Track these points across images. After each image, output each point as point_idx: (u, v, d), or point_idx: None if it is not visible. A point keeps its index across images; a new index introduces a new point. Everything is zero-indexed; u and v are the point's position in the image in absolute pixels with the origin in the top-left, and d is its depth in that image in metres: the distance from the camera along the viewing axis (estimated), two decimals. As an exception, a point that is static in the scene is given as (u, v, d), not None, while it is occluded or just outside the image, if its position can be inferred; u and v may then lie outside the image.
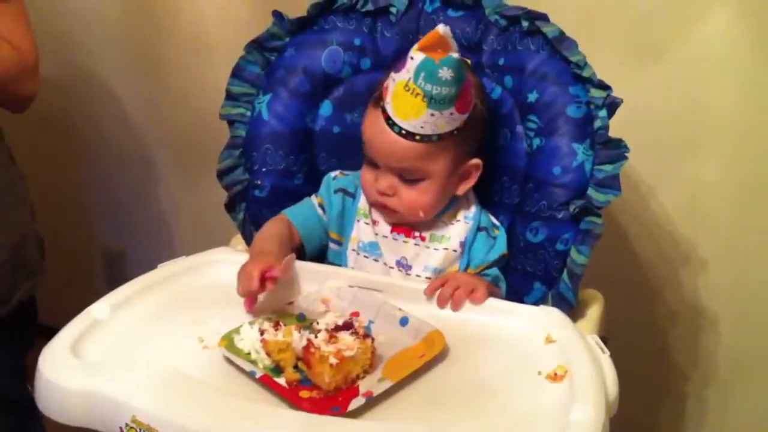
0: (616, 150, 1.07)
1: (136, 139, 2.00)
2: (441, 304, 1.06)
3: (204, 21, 1.78)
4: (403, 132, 1.07)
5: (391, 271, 1.17)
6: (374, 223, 1.18)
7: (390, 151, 1.09)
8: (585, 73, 1.09)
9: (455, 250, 1.16)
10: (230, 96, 1.23)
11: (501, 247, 1.17)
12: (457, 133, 1.09)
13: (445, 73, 1.03)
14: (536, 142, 1.13)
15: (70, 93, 2.02)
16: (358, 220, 1.19)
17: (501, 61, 1.18)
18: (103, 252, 2.22)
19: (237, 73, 1.23)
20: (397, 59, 1.09)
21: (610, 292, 1.19)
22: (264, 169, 1.21)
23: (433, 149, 1.08)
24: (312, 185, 1.24)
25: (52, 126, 2.05)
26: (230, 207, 1.23)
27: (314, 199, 1.21)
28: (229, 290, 1.08)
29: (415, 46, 1.04)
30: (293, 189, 1.23)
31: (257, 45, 1.23)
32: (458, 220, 1.17)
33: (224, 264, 1.14)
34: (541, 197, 1.10)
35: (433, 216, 1.15)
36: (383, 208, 1.15)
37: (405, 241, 1.17)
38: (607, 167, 1.07)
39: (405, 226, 1.17)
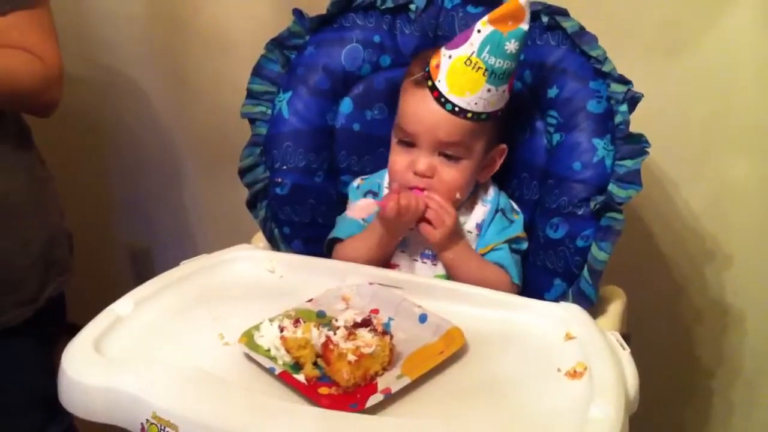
0: (638, 145, 1.06)
1: (160, 137, 2.02)
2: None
3: (226, 19, 1.79)
4: (456, 109, 1.08)
5: (416, 264, 1.17)
6: None
7: (439, 126, 1.10)
8: (605, 68, 1.09)
9: (470, 232, 1.17)
10: (251, 94, 1.23)
11: (516, 229, 1.17)
12: (500, 114, 1.11)
13: (511, 46, 1.05)
14: (556, 137, 1.13)
15: (94, 91, 2.03)
16: None
17: (521, 57, 1.15)
18: (129, 250, 2.23)
19: (258, 72, 1.23)
20: (445, 39, 1.12)
21: (634, 289, 1.18)
22: (285, 167, 1.21)
23: (478, 128, 1.10)
24: (332, 183, 1.25)
25: (77, 124, 2.05)
26: (252, 204, 1.24)
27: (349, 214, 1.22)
28: (249, 287, 1.10)
29: (483, 18, 1.05)
30: (313, 186, 1.23)
31: (278, 43, 1.23)
32: (477, 204, 1.19)
33: (245, 261, 1.16)
34: (562, 193, 1.10)
35: (464, 199, 1.16)
36: (419, 191, 1.14)
37: None
38: (628, 162, 1.06)
39: None
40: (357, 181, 1.24)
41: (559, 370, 0.92)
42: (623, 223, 1.05)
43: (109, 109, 2.05)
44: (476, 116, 1.09)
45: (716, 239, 1.48)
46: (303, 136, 1.22)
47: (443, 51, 1.09)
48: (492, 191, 1.19)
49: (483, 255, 1.16)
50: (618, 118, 1.08)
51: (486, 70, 1.06)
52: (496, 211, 1.18)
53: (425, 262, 1.18)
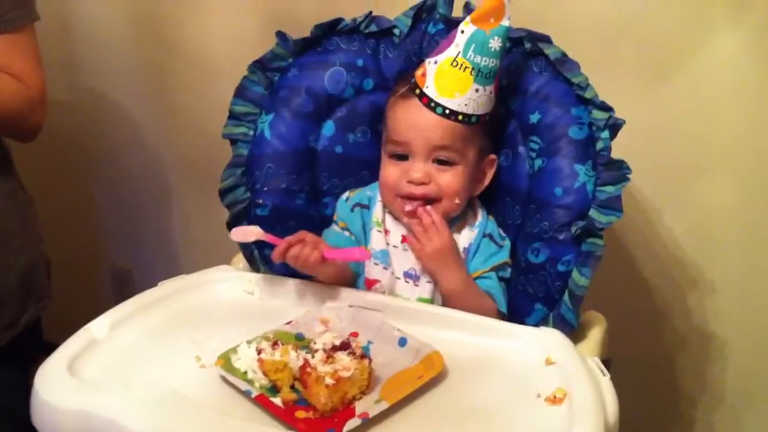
0: (619, 171, 1.06)
1: (145, 159, 2.01)
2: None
3: (212, 41, 1.79)
4: (447, 111, 1.10)
5: (398, 282, 1.17)
6: (386, 232, 1.19)
7: (432, 130, 1.11)
8: (587, 95, 1.09)
9: None
10: (233, 115, 1.22)
11: (503, 255, 1.17)
12: (488, 120, 1.13)
13: (495, 44, 1.08)
14: (538, 163, 1.13)
15: (79, 114, 2.02)
16: (372, 229, 1.19)
17: (504, 82, 1.18)
18: (112, 270, 2.21)
19: (240, 93, 1.23)
20: (431, 48, 1.16)
21: (616, 315, 1.18)
22: (265, 188, 1.20)
23: (468, 133, 1.12)
24: (314, 205, 1.25)
25: (62, 146, 2.04)
26: (232, 226, 1.21)
27: (336, 227, 1.22)
28: (228, 309, 1.10)
29: (466, 19, 1.08)
30: (295, 209, 1.22)
31: (261, 65, 1.23)
32: (464, 228, 1.18)
33: (224, 282, 1.15)
34: (543, 218, 1.10)
35: (461, 208, 1.16)
36: (416, 201, 1.14)
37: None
38: (609, 188, 1.06)
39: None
40: (346, 194, 1.23)
41: (538, 395, 0.91)
42: (604, 248, 1.05)
43: (93, 130, 2.05)
44: (467, 118, 1.10)
45: (699, 265, 1.48)
46: (285, 158, 1.21)
47: (427, 60, 1.12)
48: (480, 215, 1.19)
49: None
50: (599, 144, 1.08)
51: (473, 69, 1.08)
52: (484, 235, 1.18)
53: (408, 282, 1.17)
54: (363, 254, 1.13)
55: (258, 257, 1.22)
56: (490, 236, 1.18)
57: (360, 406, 0.89)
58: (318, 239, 1.11)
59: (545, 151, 1.12)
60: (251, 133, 1.22)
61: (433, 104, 1.10)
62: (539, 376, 0.95)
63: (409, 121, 1.12)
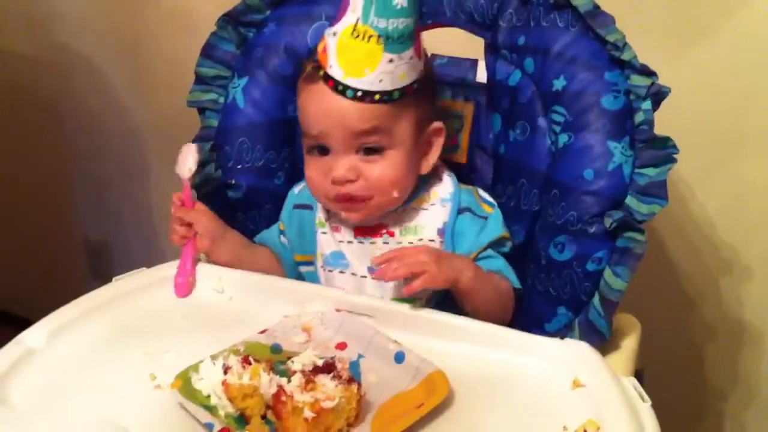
0: (662, 150, 0.94)
1: (119, 123, 1.96)
2: (375, 277, 0.97)
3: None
4: (359, 93, 0.95)
5: (364, 282, 1.05)
6: (334, 229, 1.07)
7: (347, 117, 0.97)
8: (625, 56, 0.95)
9: (432, 240, 1.04)
10: (200, 79, 1.14)
11: (495, 229, 1.05)
12: (417, 87, 0.99)
13: (401, 0, 0.92)
14: (563, 139, 0.99)
15: (45, 72, 1.97)
16: (316, 232, 1.08)
17: (521, 41, 1.04)
18: (86, 243, 2.17)
19: (208, 53, 1.13)
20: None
21: (641, 302, 1.08)
22: (239, 167, 1.11)
23: (395, 110, 0.98)
24: (293, 185, 1.14)
25: (29, 107, 2.02)
26: None
27: (279, 227, 1.12)
28: (192, 312, 1.00)
29: None
30: (273, 189, 1.12)
31: (231, 19, 1.13)
32: (432, 204, 1.06)
33: None
34: (569, 207, 0.96)
35: (405, 198, 1.04)
36: (345, 203, 1.01)
37: (372, 242, 1.05)
38: (651, 171, 0.94)
39: (370, 224, 1.05)
40: (300, 185, 1.12)
41: (565, 428, 0.79)
42: (645, 245, 0.92)
43: (62, 90, 2.00)
44: (387, 96, 0.96)
45: (733, 248, 1.40)
46: (261, 129, 1.11)
47: (327, 30, 0.97)
48: (450, 186, 1.07)
49: None
50: (639, 117, 0.95)
51: (379, 36, 0.93)
52: (459, 211, 1.05)
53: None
54: (178, 288, 1.02)
55: None
56: (469, 210, 1.05)
57: (347, 442, 0.78)
58: (207, 236, 1.05)
59: (572, 125, 0.98)
60: (221, 100, 1.13)
61: (341, 87, 0.95)
62: (565, 402, 0.82)
63: (318, 110, 0.98)
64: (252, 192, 1.11)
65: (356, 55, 0.93)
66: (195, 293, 1.02)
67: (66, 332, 0.91)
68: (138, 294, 0.99)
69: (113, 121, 1.95)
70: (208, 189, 1.10)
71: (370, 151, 0.99)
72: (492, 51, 1.07)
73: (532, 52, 1.03)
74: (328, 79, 0.95)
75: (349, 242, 1.05)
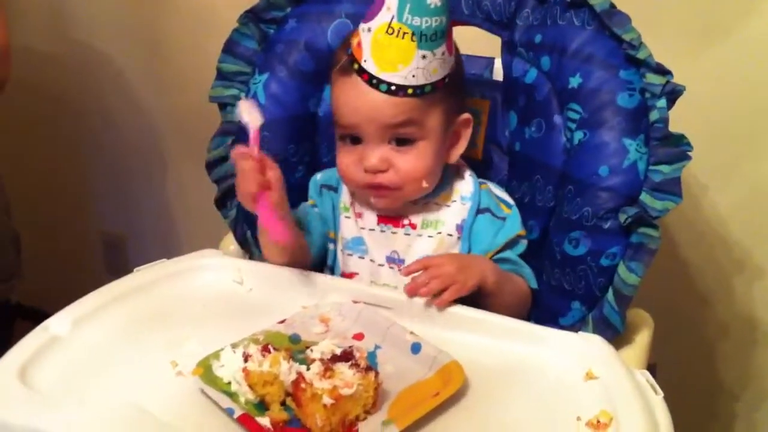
0: (677, 148, 0.94)
1: (140, 121, 1.96)
2: (409, 293, 0.96)
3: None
4: (393, 88, 0.97)
5: (381, 269, 1.06)
6: (358, 215, 1.09)
7: (380, 110, 0.98)
8: (640, 55, 0.96)
9: (450, 234, 1.06)
10: (222, 75, 1.14)
11: (513, 228, 1.06)
12: (448, 81, 1.00)
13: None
14: (578, 136, 1.00)
15: (67, 69, 1.97)
16: (340, 214, 1.10)
17: (538, 39, 1.05)
18: (103, 238, 2.17)
19: (230, 49, 1.14)
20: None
21: (654, 301, 1.09)
22: None
23: (426, 103, 0.99)
24: (315, 174, 1.14)
25: (49, 104, 2.01)
26: (221, 203, 1.13)
27: (308, 203, 1.11)
28: (212, 302, 0.99)
29: None
30: (293, 183, 1.10)
31: (253, 15, 1.13)
32: (454, 201, 1.07)
33: (209, 270, 1.04)
34: (584, 203, 0.97)
35: (433, 186, 1.05)
36: (377, 190, 1.03)
37: (394, 233, 1.07)
38: (665, 168, 0.94)
39: (393, 215, 1.07)
40: (318, 174, 1.13)
41: (579, 418, 0.79)
42: (659, 240, 0.93)
43: (81, 86, 1.99)
44: (419, 90, 0.97)
45: (746, 246, 1.40)
46: (281, 124, 1.12)
47: (361, 26, 0.98)
48: (471, 186, 1.08)
49: None
50: (654, 115, 0.95)
51: (413, 34, 0.94)
52: (479, 212, 1.06)
53: (392, 267, 1.06)
54: (281, 235, 0.94)
55: (251, 239, 1.11)
56: (489, 210, 1.06)
57: (364, 429, 0.78)
58: (279, 187, 0.96)
59: (587, 122, 0.99)
60: (243, 95, 1.13)
61: (375, 81, 0.97)
62: (579, 393, 0.83)
63: (352, 102, 1.00)
64: (272, 185, 1.12)
65: (391, 51, 0.95)
66: (214, 284, 1.02)
67: (89, 320, 0.91)
68: (159, 284, 1.00)
69: (132, 117, 1.95)
70: (230, 183, 1.09)
71: (402, 141, 1.00)
72: (509, 49, 1.08)
73: (549, 50, 1.04)
74: (362, 72, 0.97)
75: (371, 230, 1.06)
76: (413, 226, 1.05)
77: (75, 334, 0.89)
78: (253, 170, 0.93)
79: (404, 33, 0.94)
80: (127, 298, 0.97)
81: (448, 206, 1.06)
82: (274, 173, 0.95)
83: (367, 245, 1.06)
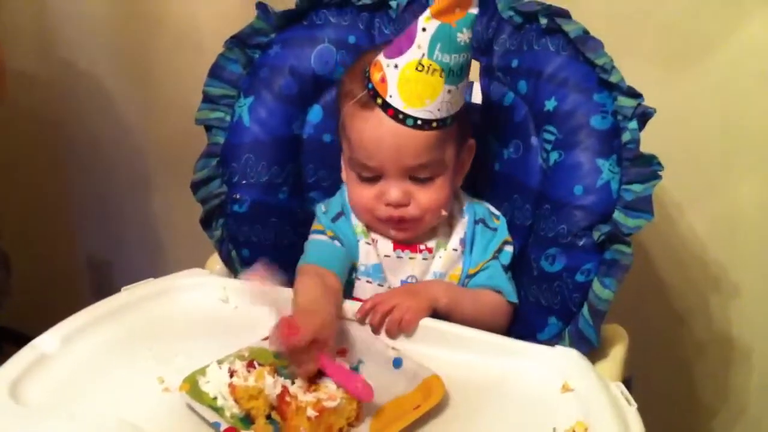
0: (648, 167, 0.96)
1: (126, 142, 1.93)
2: (375, 332, 0.97)
3: (195, 18, 1.69)
4: (419, 122, 0.97)
5: None
6: (374, 242, 1.08)
7: (405, 147, 0.99)
8: (612, 79, 0.98)
9: (455, 249, 1.08)
10: (208, 98, 1.13)
11: (501, 236, 1.08)
12: (461, 110, 1.02)
13: (464, 36, 0.94)
14: (554, 156, 1.02)
15: (54, 91, 1.95)
16: (359, 241, 1.09)
17: (514, 64, 1.07)
18: (88, 260, 2.15)
19: (216, 73, 1.13)
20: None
21: (631, 319, 1.09)
22: (244, 182, 1.11)
23: (444, 135, 1.00)
24: (297, 200, 1.15)
25: (36, 125, 1.99)
26: (206, 223, 1.12)
27: (323, 237, 1.09)
28: (198, 320, 1.01)
29: (426, 14, 0.93)
30: (276, 204, 1.12)
31: (239, 41, 1.13)
32: (454, 217, 1.09)
33: (195, 290, 1.06)
34: (560, 221, 0.99)
35: (448, 213, 1.07)
36: (398, 224, 1.04)
37: (411, 258, 1.07)
38: (637, 187, 0.96)
39: (410, 241, 1.07)
40: (322, 206, 1.13)
41: (554, 430, 0.81)
42: (632, 257, 0.94)
43: (68, 107, 1.96)
44: (442, 123, 0.99)
45: (722, 265, 1.40)
46: (266, 147, 1.12)
47: (384, 61, 0.98)
48: (465, 200, 1.10)
49: (472, 276, 1.08)
50: (626, 136, 0.97)
51: (443, 71, 0.95)
52: (476, 222, 1.09)
53: None
54: (365, 393, 0.82)
55: (236, 258, 1.12)
56: (483, 221, 1.08)
57: (347, 441, 0.80)
58: (330, 337, 0.89)
59: (562, 143, 1.01)
60: (228, 118, 1.13)
61: (401, 116, 0.97)
62: (555, 405, 0.85)
63: (376, 137, 1.00)
64: (256, 206, 1.11)
65: (419, 87, 0.95)
66: (201, 303, 1.03)
67: (78, 338, 0.93)
68: (146, 302, 1.01)
69: (119, 140, 1.93)
70: (215, 203, 1.11)
71: (421, 179, 1.02)
72: (487, 73, 1.10)
73: (525, 74, 1.06)
74: (387, 107, 0.98)
75: (387, 256, 1.07)
76: (429, 251, 1.07)
77: (64, 351, 0.91)
78: (306, 352, 0.85)
79: (434, 70, 0.94)
80: (114, 315, 0.98)
81: (452, 224, 1.08)
82: (320, 339, 0.86)
83: (385, 273, 1.07)
